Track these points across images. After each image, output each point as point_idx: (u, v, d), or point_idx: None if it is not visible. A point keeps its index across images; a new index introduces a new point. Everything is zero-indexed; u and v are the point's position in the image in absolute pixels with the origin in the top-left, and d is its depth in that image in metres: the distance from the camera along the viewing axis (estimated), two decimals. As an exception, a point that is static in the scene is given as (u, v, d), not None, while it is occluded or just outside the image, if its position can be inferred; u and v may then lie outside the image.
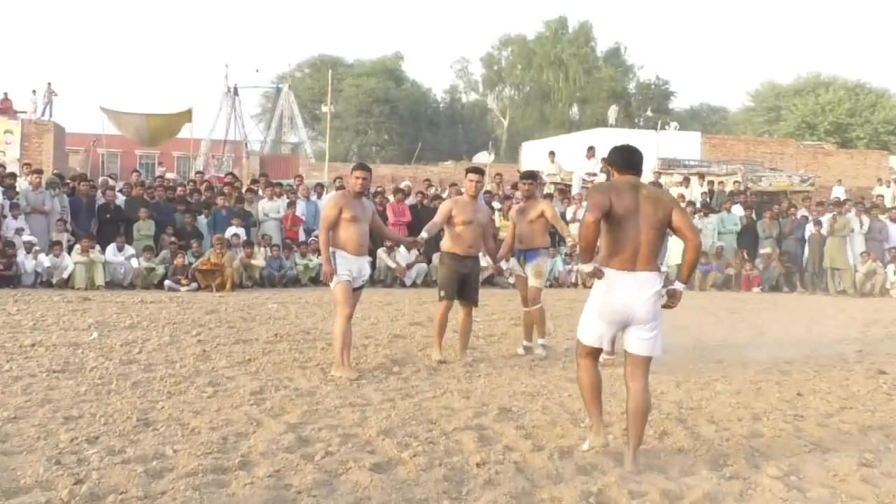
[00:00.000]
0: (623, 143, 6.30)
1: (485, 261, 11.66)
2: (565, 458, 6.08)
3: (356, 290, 9.00)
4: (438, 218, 9.78)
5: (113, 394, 7.57)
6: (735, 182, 25.64)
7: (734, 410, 7.69)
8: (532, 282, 10.20)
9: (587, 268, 5.80)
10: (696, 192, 24.56)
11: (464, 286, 9.86)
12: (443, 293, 9.84)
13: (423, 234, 9.45)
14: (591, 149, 25.46)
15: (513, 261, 10.20)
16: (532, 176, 10.48)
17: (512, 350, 10.65)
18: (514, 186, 20.41)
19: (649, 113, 69.59)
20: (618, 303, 5.78)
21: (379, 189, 21.46)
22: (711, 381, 9.10)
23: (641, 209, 5.86)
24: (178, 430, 6.44)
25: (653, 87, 71.87)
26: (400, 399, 7.75)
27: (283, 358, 9.60)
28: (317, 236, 14.01)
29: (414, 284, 19.00)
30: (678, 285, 6.11)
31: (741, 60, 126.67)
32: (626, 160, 6.14)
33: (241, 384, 8.16)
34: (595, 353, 6.16)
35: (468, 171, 10.08)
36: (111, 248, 17.37)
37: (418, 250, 10.47)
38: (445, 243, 9.89)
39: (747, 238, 22.35)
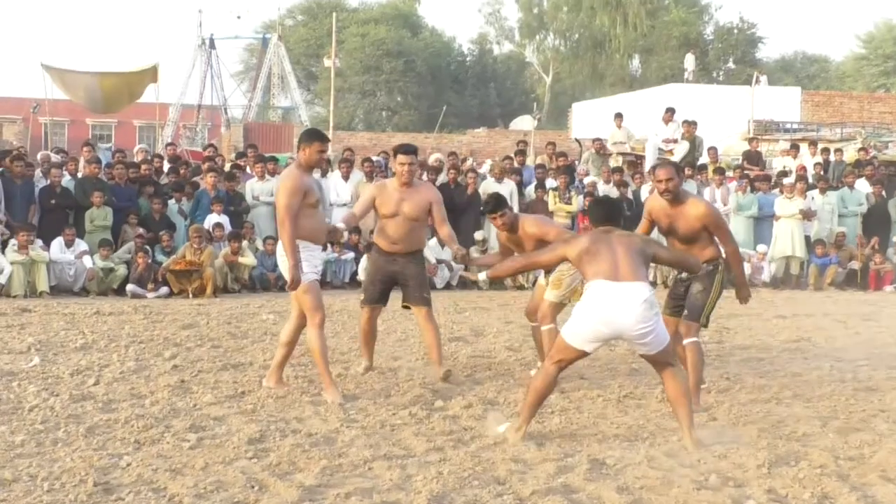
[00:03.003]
0: (601, 197, 8.58)
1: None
2: (694, 535, 5.43)
3: None
4: (358, 207, 9.78)
5: (61, 445, 6.97)
6: (860, 150, 24.83)
7: (913, 461, 6.96)
8: (548, 293, 9.72)
9: (482, 276, 7.52)
10: (808, 162, 23.76)
11: (403, 288, 9.76)
12: (362, 296, 9.95)
13: (340, 225, 9.46)
14: (669, 111, 24.72)
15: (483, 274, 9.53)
16: (498, 205, 9.74)
17: (588, 373, 9.99)
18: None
19: (731, 64, 68.98)
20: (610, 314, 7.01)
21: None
22: (868, 417, 8.43)
23: (617, 242, 7.26)
24: (150, 498, 5.87)
25: (735, 32, 70.93)
26: (451, 447, 7.16)
27: (288, 389, 9.03)
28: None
29: (448, 286, 18.56)
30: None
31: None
32: (603, 214, 7.54)
33: (235, 428, 7.57)
34: (571, 361, 7.51)
35: (396, 151, 9.77)
36: (57, 243, 16.87)
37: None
38: (375, 234, 10.00)
39: (876, 221, 21.63)
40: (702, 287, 8.85)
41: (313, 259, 8.68)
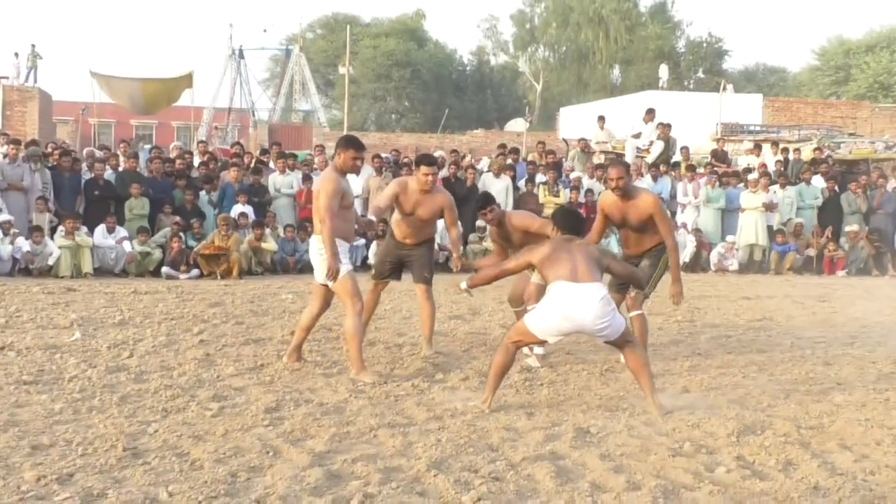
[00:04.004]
0: (568, 207, 8.45)
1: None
2: (671, 499, 5.23)
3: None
4: (382, 200, 9.58)
5: (95, 413, 6.76)
6: (816, 150, 24.57)
7: (867, 431, 6.73)
8: (534, 276, 9.44)
9: (463, 285, 7.68)
10: (769, 160, 23.50)
11: (409, 267, 9.78)
12: (373, 271, 9.90)
13: (372, 218, 9.46)
14: (650, 111, 24.45)
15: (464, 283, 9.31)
16: (486, 202, 9.55)
17: (573, 349, 9.78)
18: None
19: (701, 74, 68.71)
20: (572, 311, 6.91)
21: (406, 160, 20.64)
22: (826, 389, 8.20)
23: (576, 249, 7.23)
24: (174, 462, 5.63)
25: (705, 45, 70.63)
26: (449, 417, 6.93)
27: (303, 363, 8.81)
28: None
29: (447, 269, 18.15)
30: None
31: (804, 13, 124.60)
32: (568, 223, 7.58)
33: (253, 398, 7.36)
34: (529, 344, 7.72)
35: (420, 161, 9.65)
36: (100, 229, 16.69)
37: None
38: (392, 222, 9.90)
39: (830, 213, 21.37)
40: (649, 263, 8.89)
41: (345, 253, 8.49)
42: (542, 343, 7.86)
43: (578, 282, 6.97)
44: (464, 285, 7.67)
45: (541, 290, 9.26)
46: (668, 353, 9.83)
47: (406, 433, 6.42)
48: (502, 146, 23.45)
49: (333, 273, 8.20)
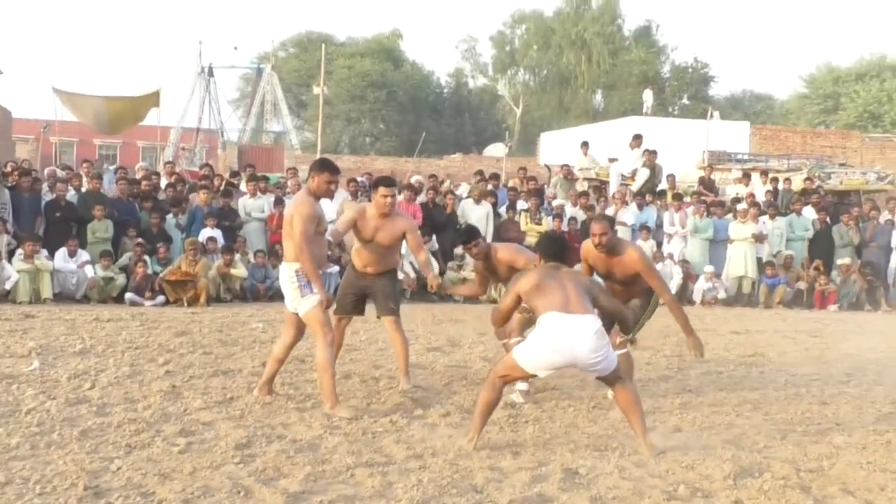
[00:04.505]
0: (551, 233, 8.31)
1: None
2: (667, 546, 5.10)
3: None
4: (341, 225, 9.41)
5: (54, 448, 6.60)
6: (806, 180, 24.64)
7: (870, 475, 6.64)
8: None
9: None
10: (758, 190, 23.56)
11: (372, 298, 9.51)
12: (334, 306, 9.39)
13: (328, 238, 9.05)
14: (637, 137, 24.38)
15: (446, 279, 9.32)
16: (471, 236, 9.48)
17: (558, 383, 9.68)
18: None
19: (686, 100, 69.01)
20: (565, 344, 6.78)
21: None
22: (824, 430, 8.11)
23: (565, 278, 7.15)
24: (139, 502, 5.51)
25: (690, 71, 71.02)
26: (430, 455, 6.80)
27: (275, 396, 8.66)
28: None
29: (427, 298, 18.05)
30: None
31: (792, 40, 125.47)
32: (553, 250, 7.54)
33: (223, 433, 7.21)
34: (518, 379, 7.62)
35: (378, 183, 9.48)
36: (61, 252, 16.50)
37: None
38: (352, 252, 9.71)
39: (821, 246, 21.46)
40: (639, 304, 8.82)
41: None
42: (530, 377, 7.71)
43: (571, 313, 6.84)
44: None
45: (525, 324, 9.18)
46: (657, 390, 9.72)
47: (385, 472, 6.30)
48: (479, 172, 23.43)
49: (328, 303, 8.18)
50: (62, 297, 16.28)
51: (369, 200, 17.63)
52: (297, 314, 8.34)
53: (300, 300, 8.20)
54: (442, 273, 18.10)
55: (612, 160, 24.70)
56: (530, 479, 6.28)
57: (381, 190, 9.17)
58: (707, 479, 6.37)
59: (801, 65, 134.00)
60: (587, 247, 8.83)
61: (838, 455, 7.19)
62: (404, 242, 9.61)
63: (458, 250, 18.72)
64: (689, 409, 8.84)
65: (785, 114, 71.09)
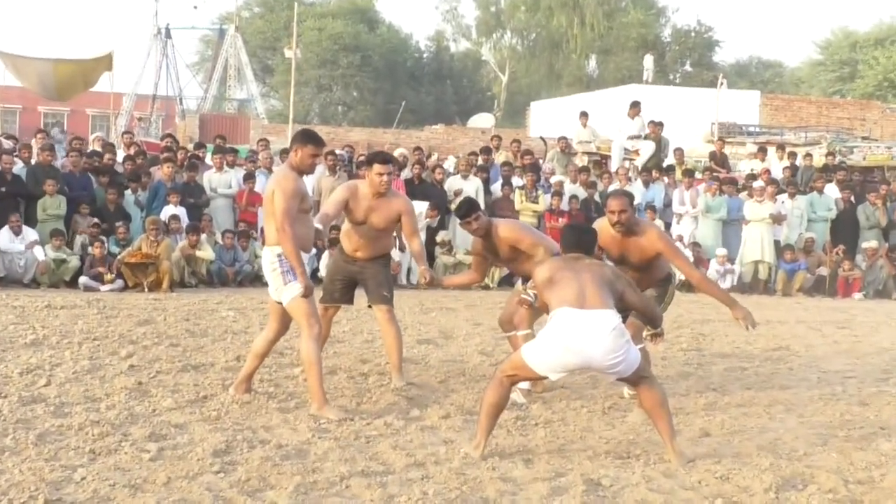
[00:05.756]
0: (575, 223, 7.87)
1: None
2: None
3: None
4: (330, 207, 9.24)
5: (8, 455, 6.39)
6: (827, 155, 24.53)
7: (926, 486, 6.48)
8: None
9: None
10: (774, 166, 23.44)
11: (363, 285, 9.42)
12: (322, 294, 9.43)
13: (318, 226, 8.85)
14: (635, 105, 24.29)
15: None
16: (471, 209, 9.24)
17: (568, 381, 9.49)
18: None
19: (688, 67, 68.98)
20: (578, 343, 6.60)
21: (361, 158, 20.35)
22: (868, 434, 7.96)
23: (584, 269, 6.94)
24: (108, 519, 5.25)
25: (693, 35, 70.94)
26: (433, 464, 6.63)
27: (254, 395, 8.47)
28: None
29: (410, 284, 18.10)
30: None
31: (804, 2, 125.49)
32: (573, 240, 7.29)
33: (198, 437, 7.01)
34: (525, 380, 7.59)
35: (371, 160, 9.29)
36: (5, 231, 16.25)
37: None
38: (341, 234, 9.66)
39: (845, 228, 21.39)
40: (656, 294, 8.71)
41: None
42: (540, 379, 7.61)
43: (585, 308, 6.65)
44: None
45: (534, 314, 8.99)
46: (677, 388, 9.57)
47: (384, 483, 6.14)
48: (496, 137, 23.16)
49: (308, 291, 7.90)
50: (8, 282, 16.08)
51: (350, 177, 17.63)
52: (281, 304, 8.12)
53: (283, 288, 7.99)
54: (432, 260, 17.93)
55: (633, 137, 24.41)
56: (548, 491, 6.13)
57: (377, 167, 8.99)
58: (745, 491, 6.22)
59: (814, 29, 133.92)
60: (601, 227, 8.60)
61: (887, 464, 7.02)
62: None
63: (442, 236, 18.62)
64: (715, 410, 8.70)
65: (796, 82, 71.22)
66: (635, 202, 19.90)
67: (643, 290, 8.44)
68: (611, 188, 20.05)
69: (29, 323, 11.97)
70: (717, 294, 8.63)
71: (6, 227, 16.27)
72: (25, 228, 16.50)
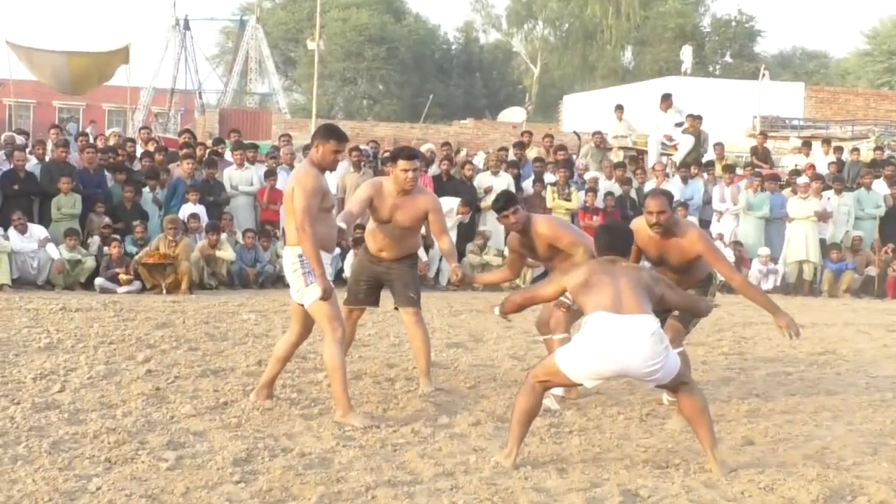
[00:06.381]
0: (610, 223, 7.97)
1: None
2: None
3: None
4: (355, 205, 9.26)
5: (21, 463, 6.42)
6: (876, 149, 24.41)
7: None
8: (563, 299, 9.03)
9: (496, 311, 7.86)
10: (819, 161, 23.34)
11: (389, 287, 9.46)
12: (346, 295, 9.54)
13: (342, 225, 8.92)
14: (666, 97, 24.24)
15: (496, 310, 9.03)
16: (508, 202, 9.24)
17: (603, 386, 9.45)
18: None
19: (729, 58, 68.77)
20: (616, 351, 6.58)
21: (386, 154, 20.38)
22: (926, 446, 7.89)
23: (621, 272, 6.92)
24: (125, 531, 5.27)
25: (734, 24, 70.71)
26: (462, 473, 6.63)
27: (276, 401, 8.49)
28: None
29: (439, 284, 18.21)
30: None
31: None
32: (608, 242, 7.25)
33: (218, 445, 7.04)
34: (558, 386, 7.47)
35: (397, 155, 9.33)
36: (11, 231, 16.33)
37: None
38: (366, 233, 9.73)
39: (894, 225, 21.25)
40: (697, 293, 8.58)
41: (326, 267, 8.10)
42: (574, 386, 7.61)
43: (622, 313, 6.62)
44: (497, 311, 7.75)
45: (571, 317, 8.97)
46: (719, 395, 9.54)
47: (411, 494, 6.15)
48: (527, 133, 23.11)
49: (327, 294, 7.87)
50: (21, 283, 16.15)
51: (375, 173, 17.63)
52: (303, 306, 8.12)
53: (305, 289, 7.99)
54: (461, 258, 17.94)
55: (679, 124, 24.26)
56: (583, 502, 6.12)
57: (402, 163, 9.01)
58: (791, 502, 6.20)
59: (861, 18, 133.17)
60: (638, 226, 8.59)
61: (942, 475, 6.98)
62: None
63: (483, 229, 18.64)
64: (758, 417, 8.68)
65: (842, 73, 70.86)
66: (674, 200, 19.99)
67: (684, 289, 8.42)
68: (647, 185, 20.01)
69: (43, 326, 12.07)
70: (759, 299, 8.51)
71: (11, 228, 16.34)
72: (31, 226, 16.56)
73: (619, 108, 25.88)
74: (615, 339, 6.54)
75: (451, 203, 17.63)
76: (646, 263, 8.67)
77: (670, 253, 8.45)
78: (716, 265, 8.45)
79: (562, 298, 7.74)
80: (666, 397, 8.77)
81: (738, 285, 8.49)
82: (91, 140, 20.57)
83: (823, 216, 20.26)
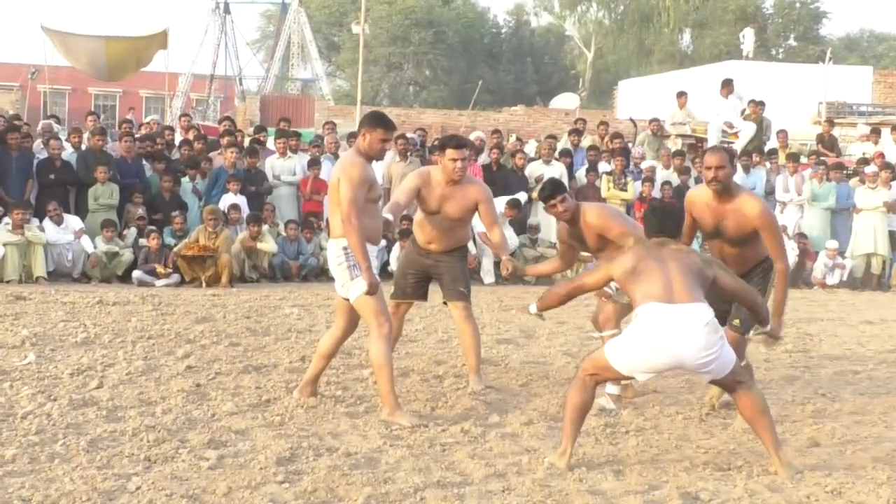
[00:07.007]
0: (657, 203, 7.64)
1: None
2: None
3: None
4: (402, 196, 9.29)
5: (58, 462, 6.46)
6: (949, 138, 24.24)
7: None
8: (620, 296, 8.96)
9: (532, 308, 7.73)
10: (889, 149, 23.12)
11: (438, 280, 9.51)
12: (392, 289, 9.58)
13: (388, 216, 8.91)
14: (727, 83, 24.07)
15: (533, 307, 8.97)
16: (556, 190, 9.13)
17: (661, 384, 9.46)
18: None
19: (792, 41, 68.35)
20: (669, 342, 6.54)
21: (435, 142, 20.39)
22: None
23: (669, 257, 6.85)
24: (165, 533, 5.31)
25: (798, 6, 70.31)
26: (514, 474, 6.61)
27: (320, 398, 8.51)
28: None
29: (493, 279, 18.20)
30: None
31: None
32: (657, 224, 7.21)
33: (260, 444, 7.06)
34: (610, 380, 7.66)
35: (445, 144, 9.32)
36: (46, 223, 16.48)
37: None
38: (414, 224, 9.76)
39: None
40: (756, 288, 8.25)
41: (371, 260, 8.10)
42: (626, 380, 7.61)
43: (674, 302, 6.56)
44: (533, 308, 7.64)
45: (622, 312, 8.92)
46: (783, 394, 9.49)
47: (461, 496, 6.14)
48: (581, 121, 23.13)
49: (373, 288, 7.89)
50: (57, 275, 16.31)
51: (422, 162, 17.63)
52: (348, 300, 8.14)
53: (350, 283, 8.00)
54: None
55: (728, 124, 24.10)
56: (642, 504, 6.10)
57: (450, 152, 9.01)
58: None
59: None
60: (693, 196, 8.50)
61: None
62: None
63: (532, 221, 18.60)
64: (824, 417, 8.62)
65: (913, 57, 70.34)
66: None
67: (741, 275, 8.20)
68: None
69: (79, 320, 12.14)
70: (779, 297, 8.26)
71: (46, 219, 16.47)
72: (67, 217, 16.69)
73: (683, 94, 25.68)
74: (667, 330, 6.50)
75: (497, 205, 17.65)
76: (695, 249, 8.56)
77: (727, 220, 8.18)
78: (769, 240, 8.19)
79: (604, 288, 7.70)
80: (714, 400, 8.75)
81: (781, 270, 8.24)
82: (136, 127, 20.67)
83: (893, 207, 20.08)
